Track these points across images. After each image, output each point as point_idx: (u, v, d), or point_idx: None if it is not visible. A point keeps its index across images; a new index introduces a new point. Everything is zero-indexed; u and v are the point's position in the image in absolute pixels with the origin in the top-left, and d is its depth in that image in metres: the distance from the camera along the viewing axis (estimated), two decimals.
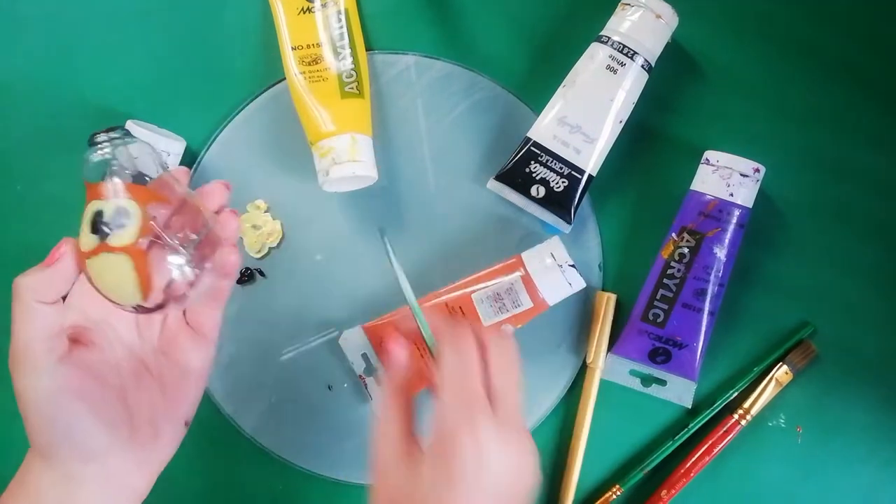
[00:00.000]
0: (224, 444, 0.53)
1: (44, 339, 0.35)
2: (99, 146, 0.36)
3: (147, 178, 0.37)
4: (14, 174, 0.54)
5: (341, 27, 0.50)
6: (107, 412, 0.37)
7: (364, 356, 0.52)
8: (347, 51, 0.50)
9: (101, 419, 0.37)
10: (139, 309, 0.36)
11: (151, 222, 0.35)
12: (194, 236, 0.37)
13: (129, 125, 0.50)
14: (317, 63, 0.49)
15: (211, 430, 0.53)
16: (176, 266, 0.36)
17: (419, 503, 0.35)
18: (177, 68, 0.54)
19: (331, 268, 0.53)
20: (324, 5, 0.51)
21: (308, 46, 0.50)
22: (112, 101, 0.54)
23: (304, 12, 0.50)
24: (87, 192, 0.36)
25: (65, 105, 0.54)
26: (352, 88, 0.50)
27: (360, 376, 0.52)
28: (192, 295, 0.37)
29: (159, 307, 0.36)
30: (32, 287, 0.35)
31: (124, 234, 0.35)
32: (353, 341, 0.52)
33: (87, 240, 0.35)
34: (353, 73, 0.50)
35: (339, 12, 0.51)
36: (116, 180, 0.36)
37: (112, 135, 0.37)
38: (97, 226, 0.35)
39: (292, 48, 0.50)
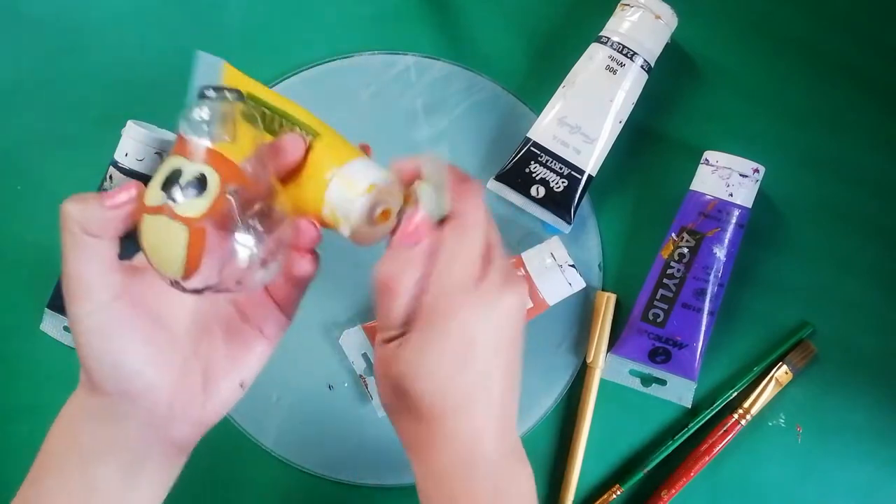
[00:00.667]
0: (224, 444, 0.53)
1: (96, 274, 0.33)
2: (205, 102, 0.33)
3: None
4: (14, 174, 0.54)
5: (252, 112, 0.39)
6: (160, 354, 0.35)
7: (364, 356, 0.52)
8: (273, 123, 0.40)
9: (152, 359, 0.34)
10: (174, 284, 0.32)
11: (228, 202, 0.32)
12: (262, 228, 0.33)
13: (129, 125, 0.50)
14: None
15: (211, 430, 0.53)
16: (238, 253, 0.32)
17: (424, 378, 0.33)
18: (177, 68, 0.54)
19: (331, 268, 0.53)
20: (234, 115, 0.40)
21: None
22: (112, 101, 0.54)
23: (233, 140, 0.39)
24: (177, 143, 0.33)
25: (65, 105, 0.54)
26: (306, 140, 0.38)
27: (361, 376, 0.52)
28: (246, 287, 0.33)
29: (196, 291, 0.32)
30: (79, 218, 0.32)
31: (194, 206, 0.31)
32: (354, 341, 0.52)
33: (155, 194, 0.32)
34: (291, 127, 0.38)
35: (243, 107, 0.37)
36: (207, 144, 0.32)
37: (226, 94, 0.33)
38: (170, 185, 0.32)
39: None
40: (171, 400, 0.35)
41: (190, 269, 0.31)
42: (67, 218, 0.33)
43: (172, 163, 0.32)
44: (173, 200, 0.31)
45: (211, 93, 0.34)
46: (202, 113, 0.33)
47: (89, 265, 0.33)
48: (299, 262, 0.36)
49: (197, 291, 0.32)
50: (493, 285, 0.34)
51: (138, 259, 0.36)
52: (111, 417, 0.35)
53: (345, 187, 0.36)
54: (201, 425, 0.38)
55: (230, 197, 0.32)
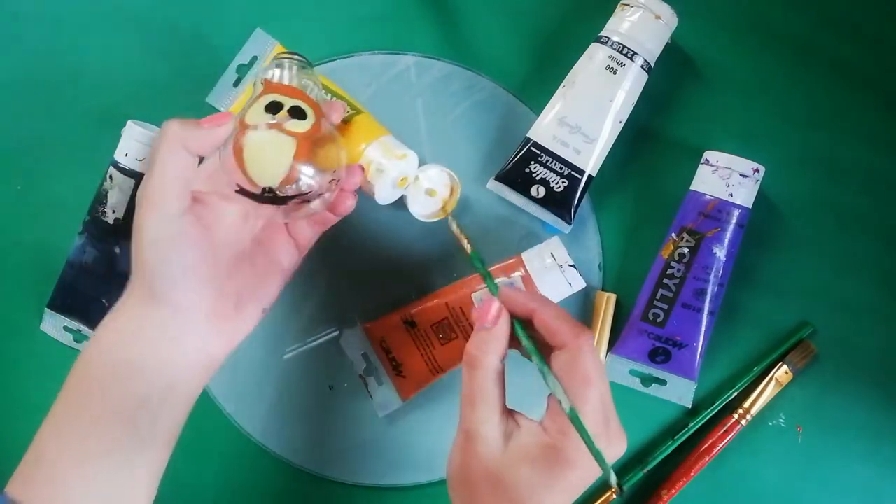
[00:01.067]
0: (224, 444, 0.53)
1: (179, 185, 0.38)
2: (290, 57, 0.43)
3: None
4: (14, 174, 0.54)
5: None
6: (206, 272, 0.39)
7: (364, 356, 0.52)
8: (320, 93, 0.49)
9: (201, 274, 0.39)
10: (264, 194, 0.38)
11: (321, 127, 0.40)
12: (327, 164, 0.40)
13: (129, 125, 0.50)
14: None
15: (211, 430, 0.53)
16: (318, 173, 0.39)
17: (511, 490, 0.36)
18: (177, 68, 0.54)
19: (331, 267, 0.53)
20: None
21: None
22: (112, 101, 0.54)
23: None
24: (265, 87, 0.41)
25: (66, 105, 0.54)
26: (346, 111, 0.49)
27: (361, 376, 0.52)
28: (310, 208, 0.40)
29: (280, 201, 0.39)
30: (184, 135, 0.38)
31: (299, 125, 0.39)
32: (354, 341, 0.52)
33: (260, 116, 0.39)
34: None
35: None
36: (306, 82, 0.42)
37: (303, 58, 0.44)
38: (275, 108, 0.39)
39: None
40: (209, 315, 0.39)
41: (291, 176, 0.38)
42: (170, 132, 0.38)
43: (269, 97, 0.40)
44: (283, 120, 0.39)
45: (293, 55, 0.43)
46: (292, 59, 0.43)
47: (174, 179, 0.38)
48: (347, 199, 0.44)
49: (283, 200, 0.39)
50: (618, 433, 0.38)
51: (197, 193, 0.41)
52: (156, 325, 0.38)
53: (383, 149, 0.48)
54: (231, 343, 0.42)
55: (323, 124, 0.40)
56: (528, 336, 0.39)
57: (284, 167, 0.38)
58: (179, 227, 0.38)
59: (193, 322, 0.39)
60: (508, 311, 0.39)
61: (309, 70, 0.43)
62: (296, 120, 0.39)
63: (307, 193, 0.39)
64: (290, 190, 0.39)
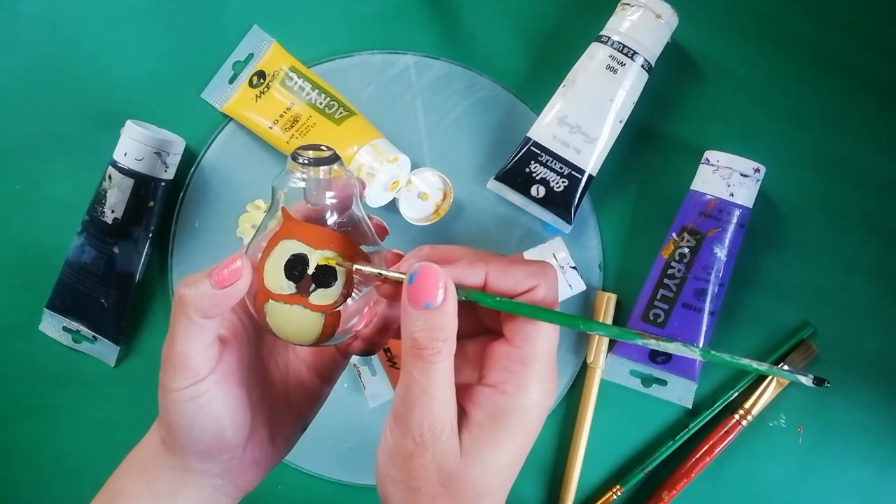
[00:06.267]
0: None
1: (202, 351, 0.34)
2: (308, 167, 0.33)
3: (351, 223, 0.34)
4: (14, 174, 0.54)
5: (294, 82, 0.52)
6: (237, 414, 0.36)
7: None
8: (314, 93, 0.52)
9: (232, 422, 0.36)
10: (299, 344, 0.35)
11: (353, 282, 0.33)
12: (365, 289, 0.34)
13: (128, 125, 0.50)
14: (297, 120, 0.51)
15: None
16: (356, 319, 0.34)
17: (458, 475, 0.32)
18: (177, 68, 0.54)
19: None
20: (271, 80, 0.52)
21: (281, 116, 0.51)
22: (112, 101, 0.54)
23: (260, 96, 0.52)
24: (284, 222, 0.33)
25: (65, 105, 0.54)
26: (340, 113, 0.51)
27: (355, 365, 0.52)
28: (351, 332, 0.36)
29: (321, 345, 0.35)
30: (198, 305, 0.33)
31: (329, 294, 0.33)
32: None
33: (281, 284, 0.33)
34: (330, 102, 0.51)
35: (286, 75, 0.52)
36: (331, 226, 0.34)
37: (325, 160, 0.33)
38: (297, 274, 0.33)
39: (271, 126, 0.51)
40: (243, 453, 0.37)
41: (322, 339, 0.34)
42: (185, 303, 0.33)
43: (291, 247, 0.33)
44: (306, 290, 0.33)
45: (318, 153, 0.34)
46: (317, 177, 0.33)
47: (196, 344, 0.34)
48: (393, 305, 0.36)
49: (317, 345, 0.35)
50: (555, 378, 0.34)
51: (223, 328, 0.37)
52: (185, 474, 0.37)
53: (375, 153, 0.48)
54: (266, 470, 0.39)
55: (356, 276, 0.33)
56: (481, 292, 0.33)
57: (314, 336, 0.34)
58: (207, 387, 0.35)
59: (221, 466, 0.37)
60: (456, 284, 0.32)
61: (336, 168, 0.34)
62: (322, 291, 0.33)
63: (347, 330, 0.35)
64: (323, 345, 0.35)
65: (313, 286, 0.33)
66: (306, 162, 0.33)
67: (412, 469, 0.32)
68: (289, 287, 0.33)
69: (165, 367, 0.35)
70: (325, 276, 0.33)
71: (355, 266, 0.33)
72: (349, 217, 0.35)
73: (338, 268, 0.33)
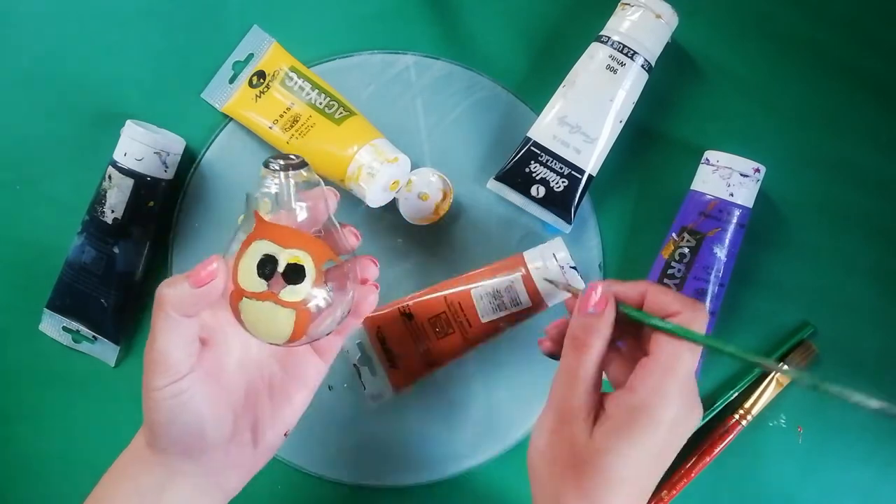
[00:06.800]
0: None
1: (182, 348, 0.37)
2: (278, 173, 0.37)
3: (321, 227, 0.37)
4: (14, 174, 0.54)
5: (294, 82, 0.52)
6: (218, 414, 0.39)
7: (359, 345, 0.52)
8: (314, 93, 0.51)
9: (213, 420, 0.38)
10: (272, 343, 0.37)
11: (323, 279, 0.36)
12: (342, 290, 0.38)
13: (128, 125, 0.50)
14: (297, 120, 0.51)
15: None
16: (329, 321, 0.37)
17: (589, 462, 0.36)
18: (177, 68, 0.54)
19: None
20: (271, 80, 0.52)
21: (281, 116, 0.51)
22: (112, 101, 0.54)
23: (260, 96, 0.52)
24: (257, 225, 0.36)
25: (65, 105, 0.54)
26: (340, 113, 0.51)
27: (355, 365, 0.52)
28: (325, 333, 0.38)
29: (295, 345, 0.37)
30: (176, 303, 0.36)
31: (298, 291, 0.36)
32: (350, 332, 0.52)
33: (253, 282, 0.36)
34: (330, 102, 0.51)
35: (286, 75, 0.52)
36: (300, 227, 0.37)
37: (293, 165, 0.37)
38: (268, 272, 0.36)
39: (271, 126, 0.51)
40: (225, 454, 0.39)
41: (297, 336, 0.36)
42: (165, 302, 0.36)
43: (262, 248, 0.36)
44: (277, 287, 0.35)
45: (279, 163, 0.37)
46: (287, 182, 0.37)
47: (176, 340, 0.36)
48: (371, 294, 0.42)
49: (296, 345, 0.37)
50: (698, 402, 0.38)
51: (204, 331, 0.39)
52: (169, 474, 0.38)
53: (375, 153, 0.48)
54: (249, 473, 0.41)
55: (325, 275, 0.36)
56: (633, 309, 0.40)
57: (286, 334, 0.36)
58: (188, 385, 0.37)
59: (203, 466, 0.39)
60: (617, 299, 0.39)
61: (304, 173, 0.38)
62: (291, 287, 0.36)
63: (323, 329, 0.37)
64: (296, 343, 0.37)
65: (284, 284, 0.35)
66: (276, 168, 0.37)
67: (552, 443, 0.38)
68: (261, 285, 0.35)
69: (147, 366, 0.37)
70: (294, 274, 0.36)
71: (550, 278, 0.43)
72: (323, 226, 0.38)
73: (308, 267, 0.36)
